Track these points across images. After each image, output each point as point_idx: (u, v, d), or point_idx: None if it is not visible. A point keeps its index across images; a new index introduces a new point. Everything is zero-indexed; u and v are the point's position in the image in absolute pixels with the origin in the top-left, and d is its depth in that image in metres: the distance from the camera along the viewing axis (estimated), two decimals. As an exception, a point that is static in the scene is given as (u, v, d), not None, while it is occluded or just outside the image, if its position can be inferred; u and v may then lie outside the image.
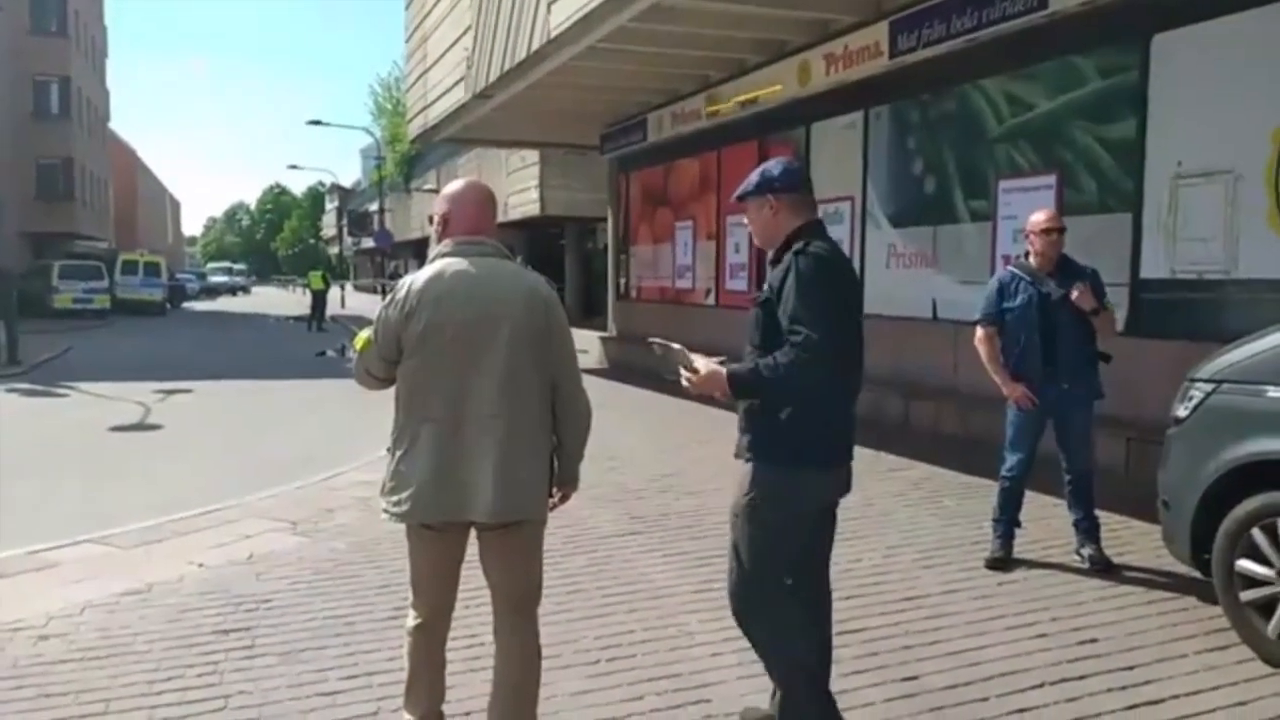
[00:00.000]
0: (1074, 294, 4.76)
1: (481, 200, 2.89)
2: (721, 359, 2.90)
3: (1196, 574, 4.15)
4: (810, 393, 2.73)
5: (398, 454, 2.76)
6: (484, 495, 2.67)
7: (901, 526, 5.74)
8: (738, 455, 2.95)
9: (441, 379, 2.70)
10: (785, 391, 2.73)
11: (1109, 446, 7.07)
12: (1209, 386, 3.96)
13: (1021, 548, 5.24)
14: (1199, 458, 3.93)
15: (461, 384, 2.69)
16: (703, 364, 2.82)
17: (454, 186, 2.91)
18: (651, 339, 3.05)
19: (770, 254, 3.02)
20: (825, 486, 2.94)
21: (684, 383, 2.86)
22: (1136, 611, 4.26)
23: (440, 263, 2.76)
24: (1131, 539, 5.36)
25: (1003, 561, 4.96)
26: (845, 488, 3.01)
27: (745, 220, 3.10)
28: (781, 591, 2.92)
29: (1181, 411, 4.07)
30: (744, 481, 2.90)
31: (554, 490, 2.91)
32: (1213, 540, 3.84)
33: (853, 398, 2.96)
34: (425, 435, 2.70)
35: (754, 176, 3.02)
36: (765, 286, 2.91)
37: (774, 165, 3.03)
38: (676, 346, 2.88)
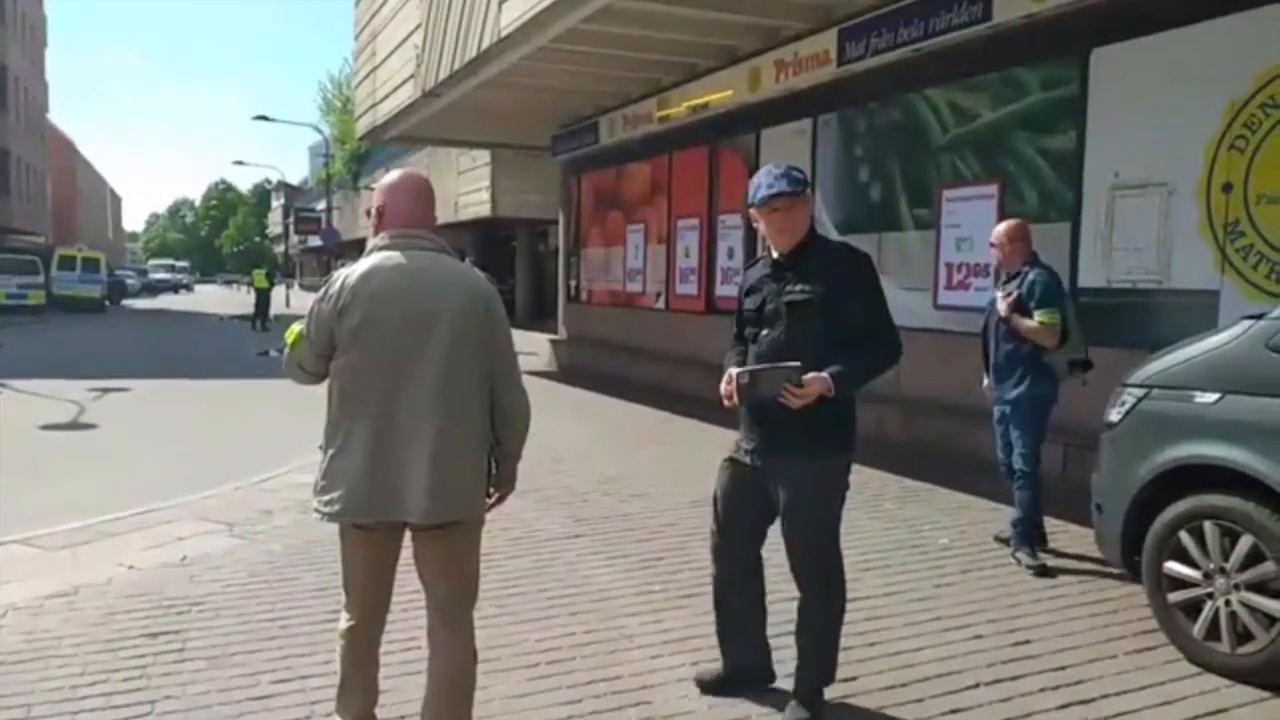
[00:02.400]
0: (998, 303, 5.10)
1: (417, 191, 2.79)
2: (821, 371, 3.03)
3: (1128, 576, 4.25)
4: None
5: (330, 452, 2.68)
6: (417, 495, 2.59)
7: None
8: (765, 453, 3.18)
9: (375, 376, 2.62)
10: (867, 382, 3.10)
11: (1047, 451, 7.18)
12: (1140, 392, 4.05)
13: (960, 551, 5.32)
14: (1130, 462, 4.02)
15: (396, 381, 2.61)
16: (810, 376, 3.00)
17: (390, 177, 2.83)
18: (736, 369, 3.12)
19: (775, 253, 3.17)
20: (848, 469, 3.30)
21: (790, 401, 3.01)
22: (1070, 613, 4.34)
23: (376, 256, 2.68)
24: (1066, 542, 5.46)
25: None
26: None
27: (757, 220, 3.18)
28: (837, 558, 3.36)
29: (1114, 416, 4.16)
30: (792, 476, 3.17)
31: (490, 491, 2.85)
32: (1143, 543, 3.93)
33: None
34: (358, 433, 2.62)
35: (795, 175, 3.09)
36: (798, 288, 3.07)
37: (790, 167, 3.12)
38: (785, 366, 3.01)
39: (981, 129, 8.49)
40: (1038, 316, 4.91)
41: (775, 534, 3.39)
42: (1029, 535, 5.08)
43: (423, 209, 2.77)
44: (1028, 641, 4.00)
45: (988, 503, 6.36)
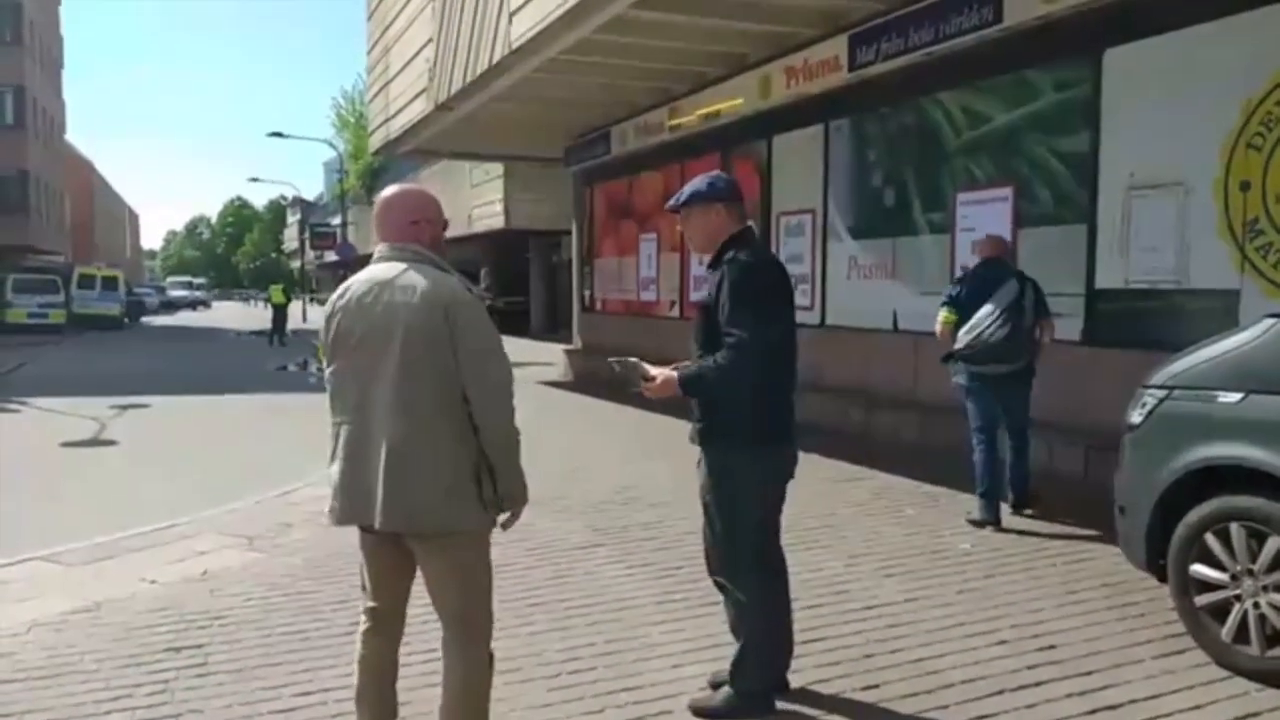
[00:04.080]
0: None
1: (385, 206, 2.81)
2: (675, 365, 3.26)
3: (1152, 579, 4.20)
4: (748, 386, 3.12)
5: (330, 458, 2.79)
6: (377, 503, 2.63)
7: (863, 536, 5.75)
8: (692, 440, 3.34)
9: (347, 384, 2.72)
10: (725, 387, 3.14)
11: (1067, 454, 7.17)
12: (1161, 393, 4.01)
13: (982, 556, 5.28)
14: (1153, 463, 3.98)
15: (363, 390, 2.68)
16: (657, 372, 3.24)
17: (384, 192, 2.86)
18: (611, 359, 3.38)
19: (705, 260, 3.38)
20: (770, 464, 3.26)
21: (644, 392, 3.26)
22: (1094, 618, 4.30)
23: (363, 270, 2.79)
24: (1089, 545, 5.42)
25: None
26: (791, 466, 3.34)
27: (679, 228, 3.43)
28: (747, 551, 3.28)
29: (1135, 418, 4.12)
30: (703, 464, 3.32)
31: (486, 506, 2.72)
32: (1168, 545, 3.89)
33: (790, 388, 3.32)
34: (340, 440, 2.74)
35: (698, 185, 3.36)
36: (706, 293, 3.29)
37: (714, 177, 3.40)
38: (633, 360, 3.26)
39: (994, 132, 8.46)
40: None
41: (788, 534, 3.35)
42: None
43: (392, 223, 2.78)
44: (1053, 647, 3.96)
45: (1007, 508, 6.30)
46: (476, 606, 2.79)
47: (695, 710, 3.36)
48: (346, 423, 2.71)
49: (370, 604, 2.88)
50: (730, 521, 3.27)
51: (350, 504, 2.70)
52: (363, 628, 2.89)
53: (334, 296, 2.79)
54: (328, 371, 2.80)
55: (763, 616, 3.27)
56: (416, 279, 2.66)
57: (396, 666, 2.94)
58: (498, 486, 2.71)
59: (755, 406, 3.18)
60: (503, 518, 2.79)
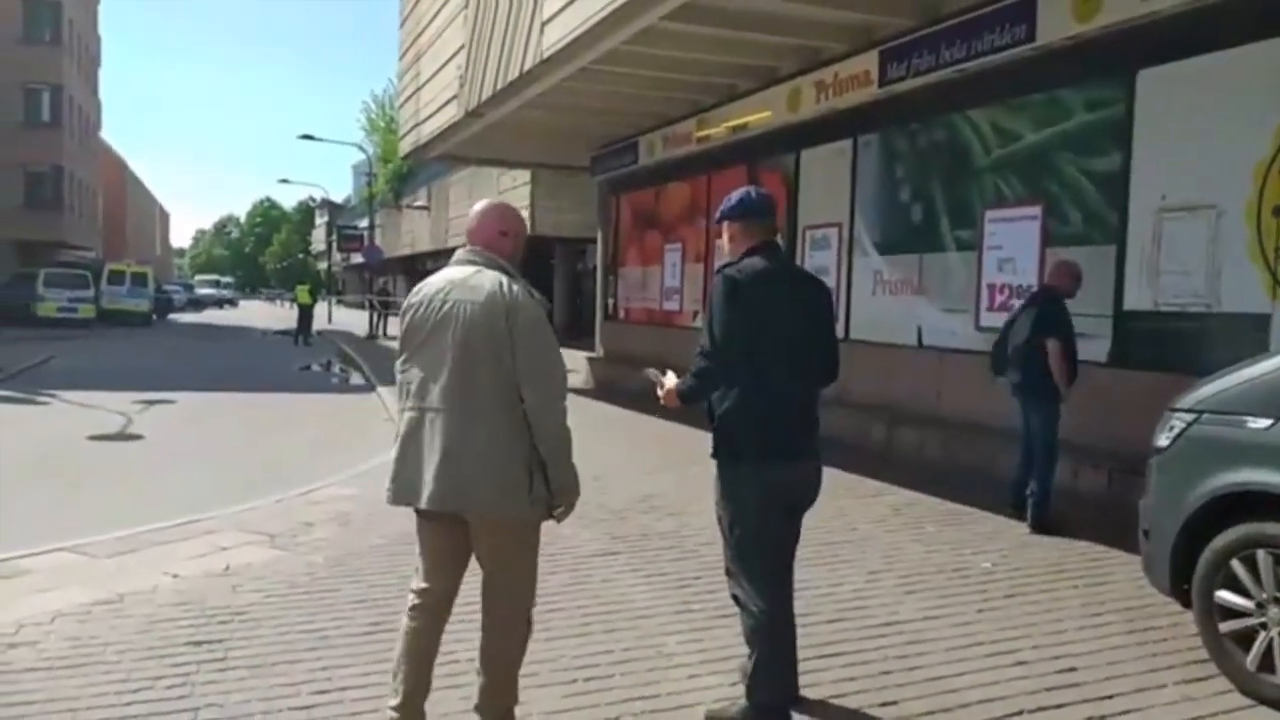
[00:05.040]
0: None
1: (478, 215, 3.10)
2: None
3: (1176, 604, 4.16)
4: (738, 401, 3.20)
5: (394, 442, 3.01)
6: (427, 484, 2.86)
7: (883, 552, 5.72)
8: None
9: (413, 374, 2.96)
10: (695, 398, 3.30)
11: (1091, 476, 7.11)
12: (1190, 417, 3.98)
13: (1003, 575, 5.24)
14: (1179, 487, 3.94)
15: (425, 380, 2.92)
16: (668, 380, 3.39)
17: (481, 204, 3.17)
18: (646, 369, 3.58)
19: None
20: (768, 480, 3.24)
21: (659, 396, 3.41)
22: (1116, 641, 4.26)
23: (440, 271, 3.06)
24: (1112, 568, 5.37)
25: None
26: (797, 482, 3.33)
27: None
28: (752, 565, 3.29)
29: (1162, 441, 4.09)
30: (719, 474, 3.37)
31: (534, 501, 2.91)
32: (1193, 570, 3.85)
33: (787, 401, 3.26)
34: (403, 425, 2.97)
35: (724, 201, 3.47)
36: None
37: (733, 194, 3.46)
38: (652, 370, 3.47)
39: (1024, 150, 8.42)
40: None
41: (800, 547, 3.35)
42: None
43: (484, 229, 3.05)
44: (1073, 669, 3.92)
45: (1025, 526, 6.26)
46: (519, 590, 3.00)
47: None
48: (410, 410, 2.94)
49: (422, 585, 3.03)
50: (732, 535, 3.32)
51: (403, 485, 2.92)
52: (410, 604, 3.03)
53: (411, 293, 3.04)
54: (398, 363, 3.03)
55: (767, 630, 3.26)
56: (484, 282, 2.90)
57: (437, 648, 3.06)
58: (550, 481, 2.92)
59: (747, 421, 3.20)
60: (557, 511, 2.98)
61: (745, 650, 3.36)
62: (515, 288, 2.90)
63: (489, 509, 2.87)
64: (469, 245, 3.04)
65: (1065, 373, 6.16)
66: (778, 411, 3.22)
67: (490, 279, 2.90)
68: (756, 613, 3.24)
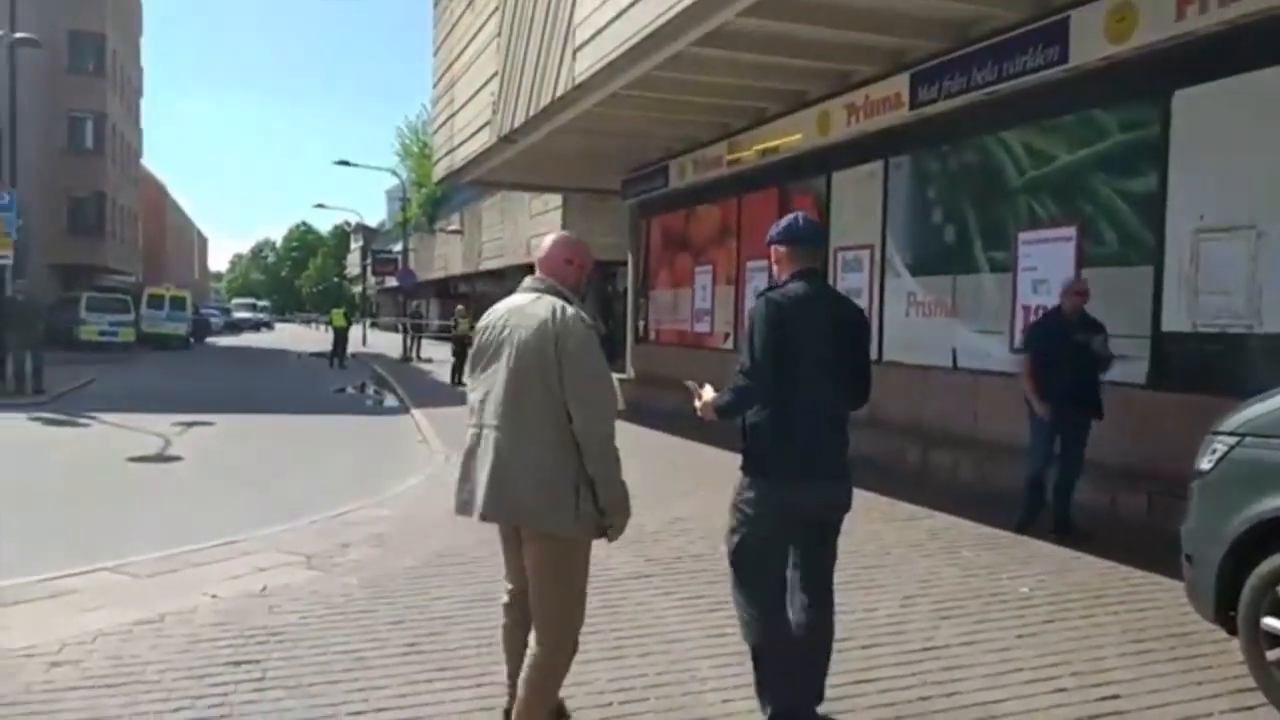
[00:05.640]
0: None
1: (565, 245, 3.30)
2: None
3: (1221, 631, 4.08)
4: (750, 421, 3.36)
5: (461, 457, 3.23)
6: (480, 496, 3.07)
7: (919, 576, 5.67)
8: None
9: (476, 394, 3.19)
10: (732, 413, 3.41)
11: (1130, 499, 7.00)
12: (1232, 439, 3.92)
13: (1041, 600, 5.17)
14: (1223, 512, 3.88)
15: (484, 400, 3.14)
16: (705, 393, 3.51)
17: (553, 235, 3.38)
18: (686, 381, 3.70)
19: None
20: (771, 498, 3.36)
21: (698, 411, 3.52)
22: (1159, 668, 4.18)
23: (506, 298, 3.29)
24: (1155, 594, 5.27)
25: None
26: (816, 501, 3.40)
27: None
28: (746, 574, 3.47)
29: (1205, 464, 4.03)
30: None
31: (580, 518, 3.03)
32: (1238, 596, 3.78)
33: (815, 422, 3.35)
34: (467, 440, 3.19)
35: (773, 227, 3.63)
36: None
37: (782, 220, 3.61)
38: (691, 382, 3.60)
39: (1059, 171, 8.38)
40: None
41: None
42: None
43: (553, 258, 3.26)
44: (1115, 697, 3.86)
45: (1069, 551, 6.18)
46: (563, 604, 3.09)
47: None
48: (472, 427, 3.17)
49: (508, 585, 3.30)
50: (730, 541, 3.50)
51: (464, 497, 3.15)
52: (503, 601, 3.32)
53: (482, 318, 3.29)
54: (469, 381, 3.27)
55: (759, 637, 3.39)
56: (541, 308, 3.09)
57: (527, 640, 3.18)
58: (599, 499, 3.03)
59: (773, 439, 3.33)
60: (609, 530, 3.10)
61: None
62: (569, 313, 3.06)
63: (535, 522, 3.02)
64: (538, 273, 3.25)
65: (1032, 388, 6.55)
66: (805, 431, 3.32)
67: (545, 306, 3.08)
68: (748, 620, 3.42)
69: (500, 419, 3.06)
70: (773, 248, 3.56)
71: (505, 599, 3.31)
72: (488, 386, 3.12)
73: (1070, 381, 6.39)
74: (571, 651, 3.13)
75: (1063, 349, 6.40)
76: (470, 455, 3.15)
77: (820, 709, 3.51)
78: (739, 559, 3.46)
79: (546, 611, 3.09)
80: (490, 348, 3.15)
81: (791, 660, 3.40)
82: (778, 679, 3.38)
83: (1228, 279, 6.83)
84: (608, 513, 3.05)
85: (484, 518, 3.07)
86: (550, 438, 2.99)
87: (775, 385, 3.29)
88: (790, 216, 3.61)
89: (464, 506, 3.15)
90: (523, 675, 3.10)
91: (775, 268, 3.56)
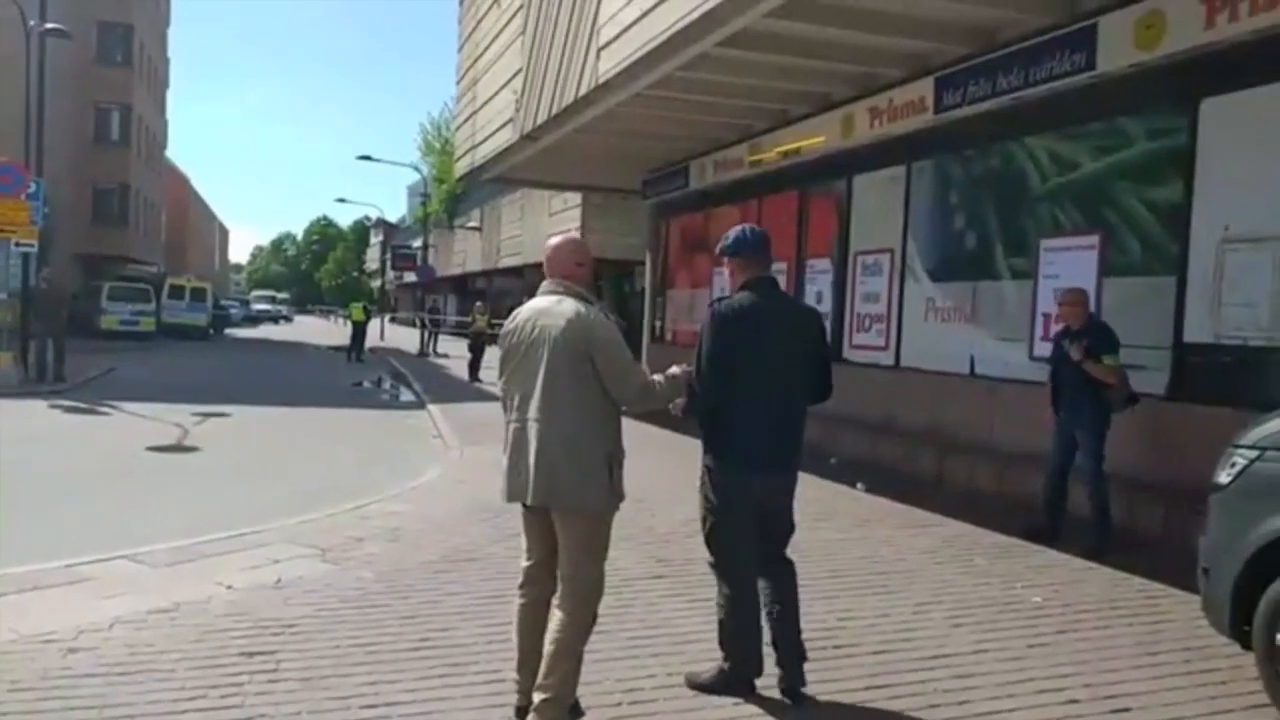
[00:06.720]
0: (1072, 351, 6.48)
1: (553, 250, 3.58)
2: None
3: (1236, 645, 4.04)
4: (700, 410, 3.82)
5: (502, 449, 3.48)
6: (530, 483, 3.34)
7: (931, 583, 5.65)
8: None
9: (512, 390, 3.46)
10: (693, 411, 3.85)
11: (1148, 511, 6.95)
12: (1253, 453, 3.88)
13: (1054, 610, 5.14)
14: (1241, 526, 3.84)
15: (522, 394, 3.42)
16: (673, 369, 3.78)
17: (558, 238, 3.66)
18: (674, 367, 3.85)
19: None
20: (733, 482, 3.80)
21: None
22: (1172, 682, 4.15)
23: (530, 300, 3.55)
24: (1170, 607, 5.23)
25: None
26: (762, 487, 3.82)
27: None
28: (717, 550, 3.93)
29: (1224, 478, 3.99)
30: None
31: (610, 491, 3.38)
32: (1254, 611, 3.75)
33: (756, 422, 3.76)
34: (508, 434, 3.46)
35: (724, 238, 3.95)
36: None
37: (730, 232, 3.93)
38: (675, 369, 3.79)
39: (1083, 179, 8.32)
40: (1106, 360, 6.38)
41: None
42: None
43: (562, 261, 3.54)
44: (1127, 710, 3.83)
45: (1084, 562, 6.14)
46: (589, 572, 3.41)
47: (688, 682, 3.90)
48: (512, 421, 3.44)
49: (526, 563, 3.52)
50: (705, 523, 3.95)
51: (511, 485, 3.42)
52: (519, 582, 3.53)
53: (508, 322, 3.55)
54: (500, 382, 3.54)
55: (731, 605, 3.81)
56: (566, 309, 3.40)
57: (545, 616, 3.39)
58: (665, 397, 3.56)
59: (722, 432, 3.82)
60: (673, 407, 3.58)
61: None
62: (593, 310, 3.43)
63: (571, 499, 3.33)
64: (550, 276, 3.52)
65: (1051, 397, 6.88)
66: (745, 431, 3.75)
67: (570, 306, 3.41)
68: (723, 590, 3.85)
69: (539, 411, 3.34)
70: (725, 259, 3.90)
71: (522, 577, 3.51)
72: (523, 383, 3.39)
73: (1066, 391, 6.70)
74: (593, 620, 3.41)
75: (1056, 357, 6.82)
76: (514, 449, 3.41)
77: (828, 714, 3.50)
78: (709, 539, 3.92)
79: (577, 578, 3.38)
80: (521, 347, 3.42)
81: (753, 628, 3.81)
82: (743, 644, 3.80)
83: (1252, 290, 6.76)
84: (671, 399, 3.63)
85: (535, 503, 3.34)
86: (585, 420, 3.33)
87: (720, 389, 3.72)
88: (738, 228, 3.95)
89: (515, 494, 3.41)
90: (551, 640, 3.29)
91: (728, 278, 3.91)
